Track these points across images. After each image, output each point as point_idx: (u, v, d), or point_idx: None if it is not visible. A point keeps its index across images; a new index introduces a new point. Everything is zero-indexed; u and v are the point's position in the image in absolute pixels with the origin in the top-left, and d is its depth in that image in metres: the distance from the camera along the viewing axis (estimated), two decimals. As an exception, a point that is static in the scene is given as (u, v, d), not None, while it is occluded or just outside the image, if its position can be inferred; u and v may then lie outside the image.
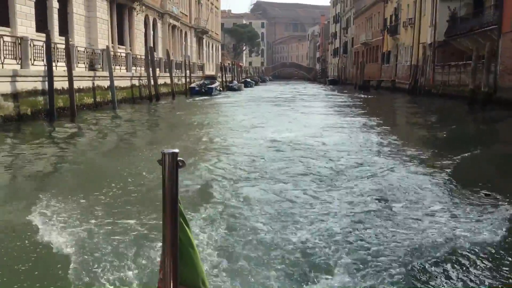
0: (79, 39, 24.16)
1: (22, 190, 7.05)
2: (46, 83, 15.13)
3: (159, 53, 36.08)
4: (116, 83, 21.77)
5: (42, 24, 20.49)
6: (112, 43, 27.99)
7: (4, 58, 14.05)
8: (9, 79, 13.26)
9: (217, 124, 16.42)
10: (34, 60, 15.88)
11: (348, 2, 69.70)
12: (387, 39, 44.27)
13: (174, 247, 1.53)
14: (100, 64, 21.99)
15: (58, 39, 20.45)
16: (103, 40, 26.35)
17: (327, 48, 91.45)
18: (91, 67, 22.49)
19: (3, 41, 14.43)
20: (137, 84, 25.43)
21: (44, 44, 16.04)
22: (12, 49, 14.93)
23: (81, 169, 8.55)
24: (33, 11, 20.14)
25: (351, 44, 66.06)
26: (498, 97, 21.13)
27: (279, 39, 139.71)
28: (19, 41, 15.19)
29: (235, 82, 49.26)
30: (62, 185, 7.16)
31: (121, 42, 30.65)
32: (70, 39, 18.74)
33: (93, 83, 19.62)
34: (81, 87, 18.78)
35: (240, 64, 71.27)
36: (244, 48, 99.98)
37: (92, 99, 19.12)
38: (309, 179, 7.61)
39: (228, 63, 61.07)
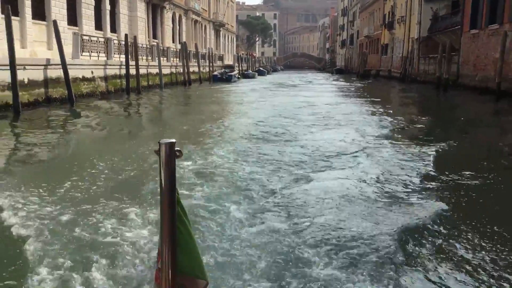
0: (124, 35, 30.27)
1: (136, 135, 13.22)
2: (119, 70, 21.44)
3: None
4: (156, 70, 28.04)
5: (97, 23, 26.58)
6: (148, 37, 34.05)
7: (98, 52, 20.29)
8: (102, 67, 19.46)
9: (239, 98, 22.61)
10: (114, 53, 22.11)
11: (354, -3, 74.86)
12: (385, 33, 49.75)
13: (172, 237, 1.53)
14: (150, 56, 28.22)
15: (109, 35, 26.48)
16: (142, 35, 32.36)
17: (336, 39, 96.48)
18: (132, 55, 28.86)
19: (98, 41, 20.68)
20: (174, 71, 31.62)
21: (124, 43, 22.29)
22: (97, 46, 21.15)
23: (159, 115, 14.75)
24: (93, 13, 26.21)
25: (356, 36, 71.39)
26: (459, 82, 26.84)
27: (291, 29, 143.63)
28: (106, 41, 21.38)
29: (250, 71, 55.37)
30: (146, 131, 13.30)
31: (154, 36, 36.70)
32: (117, 35, 24.99)
33: (147, 70, 25.86)
34: (140, 73, 25.16)
35: (253, 54, 77.12)
36: (257, 39, 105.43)
37: (146, 82, 25.37)
38: (293, 123, 13.48)
39: (242, 53, 67.07)
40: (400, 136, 11.06)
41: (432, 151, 8.81)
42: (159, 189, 1.47)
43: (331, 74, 69.46)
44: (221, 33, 61.29)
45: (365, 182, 6.57)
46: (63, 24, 20.97)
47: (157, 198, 4.60)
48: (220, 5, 60.35)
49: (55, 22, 16.16)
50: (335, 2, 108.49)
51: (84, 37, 19.95)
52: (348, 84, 40.29)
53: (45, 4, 20.89)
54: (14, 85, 12.15)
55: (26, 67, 13.73)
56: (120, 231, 4.54)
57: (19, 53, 13.99)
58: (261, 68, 65.84)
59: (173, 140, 1.51)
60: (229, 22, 67.14)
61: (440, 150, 8.97)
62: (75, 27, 23.40)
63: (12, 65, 12.19)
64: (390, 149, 9.13)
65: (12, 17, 12.60)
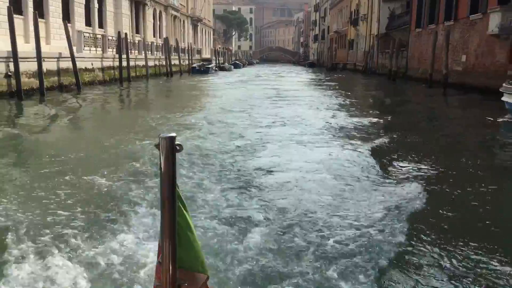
0: (110, 30, 33.35)
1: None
2: (112, 62, 24.74)
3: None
4: (143, 63, 31.33)
5: (87, 20, 29.64)
6: (131, 32, 37.16)
7: (96, 47, 23.59)
8: (100, 59, 22.76)
9: (214, 86, 26.24)
10: (108, 47, 25.39)
11: (326, -6, 78.90)
12: (351, 29, 53.96)
13: (172, 231, 1.54)
14: (137, 50, 31.54)
15: (97, 31, 29.58)
16: (126, 31, 35.49)
17: (309, 34, 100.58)
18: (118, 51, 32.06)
19: (96, 37, 23.95)
20: (158, 64, 34.99)
21: (115, 39, 25.56)
22: (95, 42, 24.41)
23: (146, 99, 18.26)
24: (83, 11, 29.25)
25: (327, 32, 75.58)
26: (408, 74, 31.10)
27: (267, 23, 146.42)
28: (102, 37, 24.62)
29: (226, 64, 58.98)
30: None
31: (137, 31, 39.80)
32: (104, 31, 28.30)
33: (135, 63, 29.21)
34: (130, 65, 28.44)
35: (230, 48, 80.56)
36: (233, 33, 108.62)
37: (135, 73, 28.74)
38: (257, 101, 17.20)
39: (219, 47, 70.50)
40: (345, 109, 14.94)
41: (371, 119, 12.75)
42: (159, 183, 1.50)
43: (304, 67, 73.52)
44: (198, 27, 64.38)
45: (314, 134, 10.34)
46: (58, 22, 24.10)
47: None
48: (197, 1, 63.39)
49: (65, 22, 19.41)
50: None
51: (85, 34, 23.18)
52: (315, 75, 44.45)
53: (43, 4, 23.98)
54: (40, 73, 15.59)
55: (45, 59, 17.03)
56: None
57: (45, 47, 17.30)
58: (237, 62, 69.41)
59: (174, 134, 1.50)
60: (206, 17, 70.21)
61: (379, 119, 13.01)
62: (69, 24, 26.53)
63: (38, 58, 15.60)
64: (331, 117, 12.99)
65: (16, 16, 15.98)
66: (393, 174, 6.79)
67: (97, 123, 12.71)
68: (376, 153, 8.33)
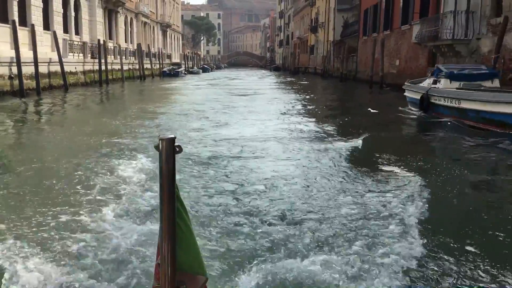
0: (86, 37, 36.00)
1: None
2: (97, 66, 27.65)
3: (135, 45, 48.02)
4: (118, 67, 34.15)
5: (64, 27, 32.26)
6: (105, 38, 39.86)
7: (78, 53, 26.41)
8: (81, 64, 25.59)
9: (183, 87, 29.46)
10: (88, 53, 28.21)
11: (289, 1, 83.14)
12: (311, 36, 58.10)
13: (171, 233, 1.55)
14: (113, 55, 34.36)
15: (74, 37, 32.25)
16: (100, 37, 38.16)
17: (275, 39, 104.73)
18: (93, 56, 34.76)
19: (75, 44, 26.73)
20: (131, 68, 37.87)
21: (97, 45, 28.43)
22: (76, 48, 27.18)
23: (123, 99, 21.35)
24: (61, 19, 31.86)
25: (291, 37, 79.76)
26: (357, 76, 35.12)
27: (235, 28, 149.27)
28: (83, 44, 27.43)
29: (195, 68, 62.17)
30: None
31: (110, 37, 42.48)
32: (80, 37, 31.22)
33: (111, 67, 32.06)
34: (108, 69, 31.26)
35: (198, 53, 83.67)
36: (202, 38, 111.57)
37: (111, 76, 31.62)
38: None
39: (188, 52, 73.57)
40: (293, 100, 18.45)
41: (310, 106, 16.25)
42: (158, 185, 1.53)
43: (269, 71, 77.39)
44: (168, 33, 67.14)
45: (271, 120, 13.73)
46: (40, 29, 26.74)
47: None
48: (166, 7, 66.16)
49: (54, 32, 22.24)
50: (275, 3, 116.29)
51: (69, 42, 25.98)
52: (278, 78, 48.24)
53: (26, 12, 26.60)
54: (37, 76, 18.50)
55: (39, 63, 19.91)
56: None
57: (29, 53, 20.11)
58: (206, 66, 72.69)
59: (173, 136, 1.52)
60: (175, 23, 73.03)
61: (315, 106, 16.51)
62: (48, 31, 29.17)
63: (35, 63, 18.53)
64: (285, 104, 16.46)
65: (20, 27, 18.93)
66: (322, 136, 10.25)
67: (93, 110, 16.32)
68: (313, 119, 11.97)
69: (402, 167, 7.25)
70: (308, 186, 6.23)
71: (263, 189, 6.05)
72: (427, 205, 5.23)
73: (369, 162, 7.71)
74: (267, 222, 4.79)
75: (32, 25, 19.62)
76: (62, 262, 3.79)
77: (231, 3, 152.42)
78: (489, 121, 10.30)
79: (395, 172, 6.90)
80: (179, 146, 1.54)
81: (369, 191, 5.92)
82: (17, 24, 18.61)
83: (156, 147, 1.54)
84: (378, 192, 5.87)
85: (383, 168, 7.25)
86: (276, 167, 7.32)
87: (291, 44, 79.10)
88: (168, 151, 1.52)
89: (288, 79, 47.13)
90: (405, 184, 6.17)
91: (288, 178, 6.63)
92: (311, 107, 17.67)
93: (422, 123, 12.93)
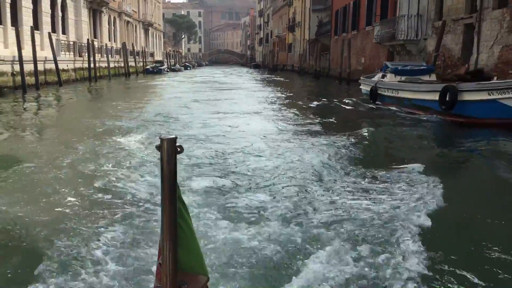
0: (72, 36, 37.77)
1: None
2: (86, 64, 29.65)
3: (118, 44, 49.83)
4: (104, 64, 36.14)
5: (52, 27, 34.03)
6: (90, 37, 41.65)
7: (67, 52, 28.33)
8: (72, 62, 27.56)
9: (166, 83, 31.66)
10: (78, 52, 30.17)
11: (268, 0, 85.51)
12: (289, 34, 60.65)
13: (173, 232, 1.56)
14: (99, 53, 36.31)
15: (61, 36, 34.03)
16: (85, 36, 39.93)
17: (255, 37, 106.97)
18: (80, 54, 36.68)
19: (65, 43, 28.65)
20: (117, 65, 39.83)
21: (86, 45, 30.41)
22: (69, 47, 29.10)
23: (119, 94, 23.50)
24: (49, 20, 33.61)
25: (270, 36, 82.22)
26: (330, 73, 37.76)
27: (215, 26, 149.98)
28: (74, 43, 29.35)
29: (177, 65, 64.27)
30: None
31: (95, 36, 44.24)
32: (66, 37, 33.17)
33: (98, 65, 34.04)
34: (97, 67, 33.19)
35: (180, 51, 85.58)
36: (183, 36, 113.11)
37: (99, 73, 33.62)
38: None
39: (170, 50, 75.54)
40: (266, 92, 20.85)
41: (280, 95, 18.69)
42: (160, 185, 1.55)
43: (249, 68, 79.75)
44: (150, 32, 68.80)
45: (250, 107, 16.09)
46: (30, 30, 28.57)
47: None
48: (148, 6, 67.82)
49: (49, 33, 24.22)
50: (255, 1, 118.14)
51: (61, 41, 27.92)
52: (256, 75, 50.77)
53: (17, 13, 28.40)
54: (36, 73, 20.57)
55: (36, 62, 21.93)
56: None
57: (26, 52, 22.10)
58: (187, 63, 74.84)
59: (175, 136, 1.53)
60: (157, 21, 74.66)
61: (287, 97, 18.95)
62: (37, 31, 30.97)
63: (35, 61, 20.61)
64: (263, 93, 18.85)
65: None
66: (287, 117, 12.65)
67: (89, 101, 18.99)
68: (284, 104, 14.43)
69: (335, 135, 9.81)
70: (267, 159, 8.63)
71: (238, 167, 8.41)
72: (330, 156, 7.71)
73: (318, 133, 10.20)
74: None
75: (32, 27, 21.58)
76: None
77: (212, 1, 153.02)
78: (417, 107, 12.89)
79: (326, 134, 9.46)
80: (180, 146, 1.55)
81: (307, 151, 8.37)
82: (23, 26, 20.47)
83: (158, 147, 1.55)
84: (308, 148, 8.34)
85: (325, 135, 9.83)
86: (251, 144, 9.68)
87: (270, 42, 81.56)
88: (170, 152, 1.54)
89: (266, 76, 49.61)
90: (329, 144, 8.71)
91: (257, 153, 8.98)
92: (281, 100, 20.14)
93: (368, 110, 15.53)
